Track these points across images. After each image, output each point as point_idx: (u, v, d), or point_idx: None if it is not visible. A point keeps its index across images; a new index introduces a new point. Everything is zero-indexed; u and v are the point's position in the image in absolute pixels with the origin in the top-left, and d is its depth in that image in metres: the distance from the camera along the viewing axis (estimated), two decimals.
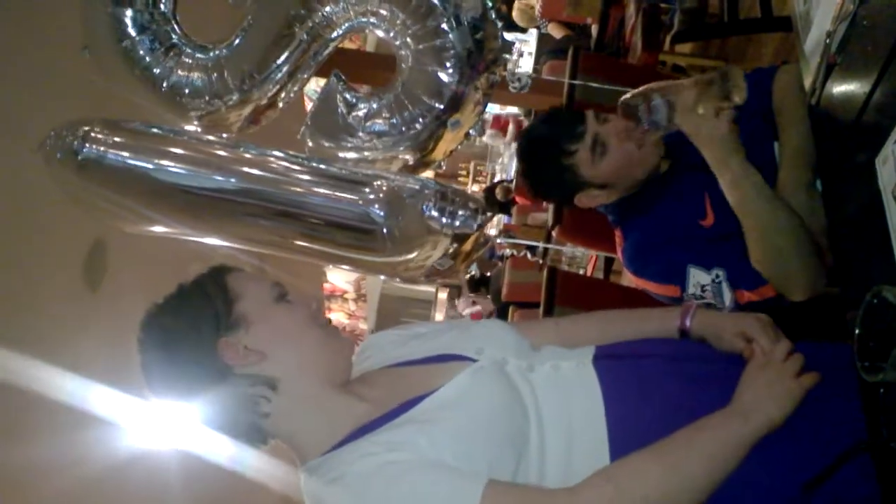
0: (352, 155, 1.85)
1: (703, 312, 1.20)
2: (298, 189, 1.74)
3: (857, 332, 0.95)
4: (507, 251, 5.80)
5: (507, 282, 5.59)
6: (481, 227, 1.69)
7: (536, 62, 7.06)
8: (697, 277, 1.58)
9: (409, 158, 1.83)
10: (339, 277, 8.93)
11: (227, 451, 1.13)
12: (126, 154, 1.75)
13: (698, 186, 1.65)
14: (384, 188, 1.68)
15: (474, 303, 8.28)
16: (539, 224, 6.33)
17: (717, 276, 1.56)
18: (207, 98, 1.81)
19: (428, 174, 2.03)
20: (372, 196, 1.68)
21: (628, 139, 1.65)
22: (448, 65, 1.71)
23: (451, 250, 1.69)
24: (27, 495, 2.42)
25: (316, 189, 1.73)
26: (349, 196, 1.69)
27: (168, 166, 1.75)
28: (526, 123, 6.37)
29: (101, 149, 1.74)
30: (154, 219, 1.81)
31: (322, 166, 1.79)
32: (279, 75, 1.80)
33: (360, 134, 1.82)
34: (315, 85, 2.40)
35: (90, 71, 1.89)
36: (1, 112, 2.24)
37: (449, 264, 1.71)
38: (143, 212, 1.79)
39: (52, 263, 2.45)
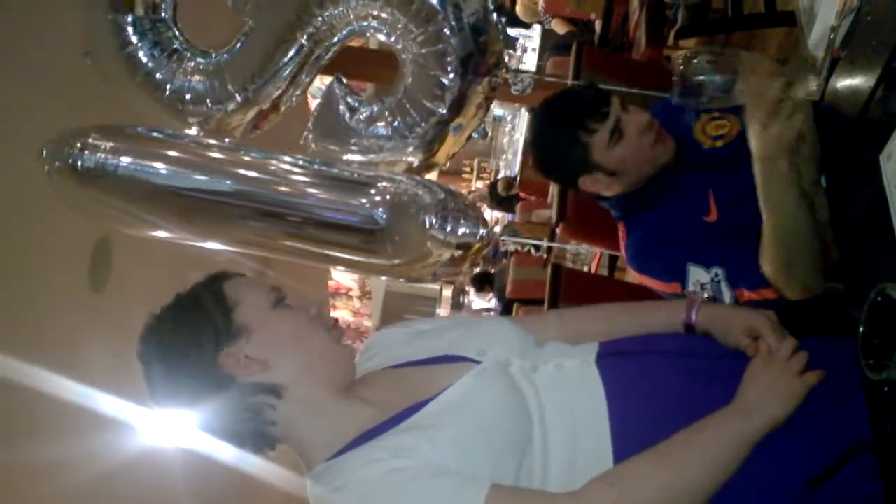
0: (355, 158, 1.85)
1: (709, 306, 1.19)
2: (300, 190, 1.74)
3: (861, 329, 0.95)
4: (511, 247, 5.80)
5: (512, 279, 5.58)
6: (483, 238, 1.69)
7: (540, 58, 7.06)
8: (697, 276, 1.58)
9: (412, 161, 1.83)
10: (344, 275, 8.94)
11: (231, 451, 1.13)
12: (125, 161, 1.76)
13: (703, 184, 1.65)
14: (388, 191, 1.68)
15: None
16: (543, 221, 6.32)
17: (717, 276, 1.56)
18: (209, 103, 1.82)
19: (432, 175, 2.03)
20: (378, 198, 1.68)
21: (646, 133, 1.65)
22: (450, 69, 1.71)
23: (455, 255, 1.69)
24: (30, 495, 2.43)
25: (318, 191, 1.73)
26: (353, 198, 1.69)
27: (167, 171, 1.76)
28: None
29: (100, 156, 1.75)
30: (155, 223, 1.82)
31: (325, 168, 1.79)
32: (281, 79, 1.81)
33: (363, 138, 1.82)
34: (320, 83, 2.40)
35: (92, 75, 1.89)
36: (2, 114, 2.24)
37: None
38: (146, 217, 1.80)
39: (57, 263, 2.46)
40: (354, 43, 2.20)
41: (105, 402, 2.07)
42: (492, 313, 8.46)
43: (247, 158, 1.79)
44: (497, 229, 9.02)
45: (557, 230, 3.55)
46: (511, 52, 8.30)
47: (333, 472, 1.00)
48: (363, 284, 9.64)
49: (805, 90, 1.27)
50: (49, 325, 2.48)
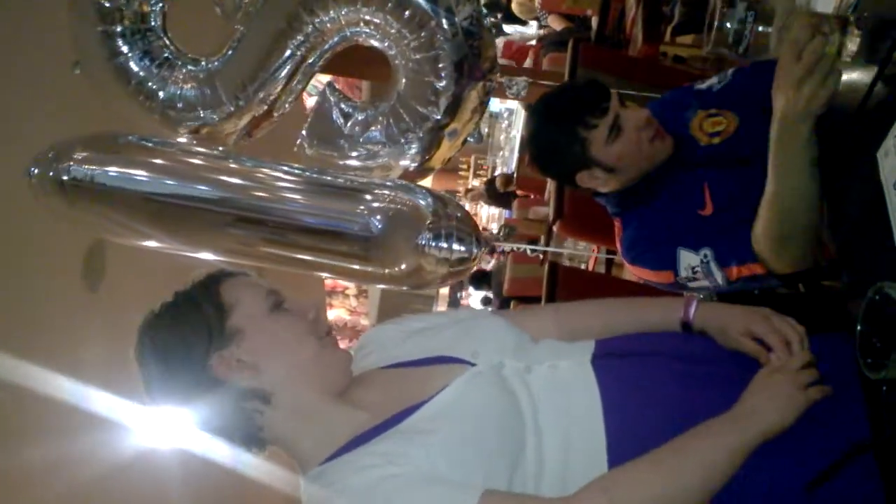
0: (350, 163, 1.84)
1: (706, 305, 1.18)
2: (290, 198, 1.75)
3: (859, 328, 0.94)
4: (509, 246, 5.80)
5: (509, 277, 5.59)
6: (476, 258, 1.69)
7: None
8: (688, 260, 1.58)
9: (408, 166, 1.82)
10: None
11: (228, 451, 1.13)
12: (113, 172, 1.76)
13: (698, 179, 1.64)
14: (383, 201, 1.68)
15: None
16: (540, 218, 6.32)
17: (706, 256, 1.56)
18: (201, 110, 1.81)
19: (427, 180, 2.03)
20: (375, 205, 1.69)
21: (645, 129, 1.65)
22: (444, 74, 1.69)
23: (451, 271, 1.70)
24: (25, 497, 2.42)
25: (311, 198, 1.73)
26: (347, 205, 1.69)
27: (150, 179, 1.76)
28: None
29: (84, 168, 1.75)
30: (145, 234, 1.82)
31: (317, 175, 1.79)
32: (273, 86, 1.80)
33: (358, 144, 1.81)
34: (315, 81, 2.39)
35: (85, 81, 1.89)
36: None
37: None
38: (140, 229, 1.80)
39: (51, 263, 2.45)
40: None
41: (100, 402, 2.06)
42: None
43: (235, 166, 1.79)
44: (494, 227, 9.03)
45: (554, 228, 3.54)
46: None
47: (326, 478, 0.99)
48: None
49: (846, 50, 1.15)
50: (43, 325, 2.47)
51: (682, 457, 0.96)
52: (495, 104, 8.56)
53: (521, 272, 5.43)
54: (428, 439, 0.98)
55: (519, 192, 7.50)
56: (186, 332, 1.06)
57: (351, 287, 9.64)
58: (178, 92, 1.81)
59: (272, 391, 1.06)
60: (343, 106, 1.84)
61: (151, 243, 1.85)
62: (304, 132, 1.86)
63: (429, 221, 1.64)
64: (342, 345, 1.17)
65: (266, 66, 1.77)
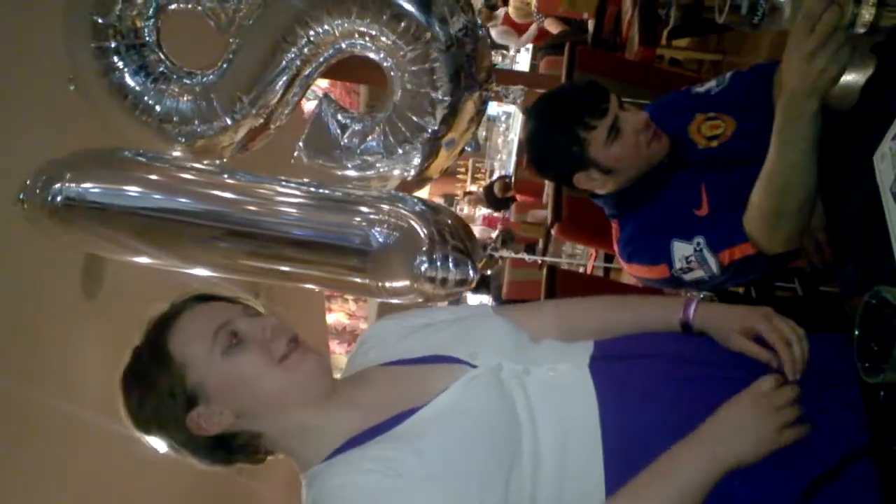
0: (347, 174, 1.85)
1: (707, 306, 1.17)
2: (287, 211, 1.76)
3: (856, 332, 0.94)
4: (506, 254, 5.80)
5: (508, 280, 5.59)
6: (473, 281, 1.70)
7: (533, 58, 7.06)
8: (682, 250, 1.58)
9: (405, 176, 1.83)
10: None
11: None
12: (107, 190, 1.77)
13: (695, 179, 1.65)
14: (382, 217, 1.69)
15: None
16: (539, 221, 6.33)
17: (699, 244, 1.56)
18: (197, 124, 1.81)
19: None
20: (373, 217, 1.69)
21: (643, 132, 1.65)
22: (440, 85, 1.70)
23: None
24: (26, 498, 2.42)
25: (309, 212, 1.74)
26: (345, 218, 1.70)
27: (139, 194, 1.77)
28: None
29: (80, 187, 1.76)
30: (144, 251, 1.83)
31: (314, 189, 1.80)
32: (269, 98, 1.80)
33: (354, 155, 1.82)
34: (314, 86, 2.39)
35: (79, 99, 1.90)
36: None
37: None
38: (136, 246, 1.81)
39: (49, 271, 2.44)
40: None
41: (96, 406, 2.06)
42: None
43: (231, 181, 1.81)
44: (492, 233, 9.03)
45: (553, 230, 3.54)
46: (504, 51, 8.31)
47: (323, 477, 0.99)
48: None
49: (861, 20, 1.08)
50: (41, 333, 2.47)
51: (657, 491, 0.96)
52: (493, 107, 8.56)
53: (520, 276, 5.43)
54: (424, 446, 0.98)
55: (517, 197, 7.51)
56: (155, 408, 1.07)
57: None
58: (175, 105, 1.81)
59: (258, 427, 1.08)
60: (340, 117, 1.84)
61: (146, 260, 1.86)
62: (300, 143, 1.86)
63: (425, 249, 1.65)
64: (341, 349, 1.17)
65: (261, 78, 1.78)
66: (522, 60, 8.20)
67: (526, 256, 4.59)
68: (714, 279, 1.58)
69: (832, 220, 1.26)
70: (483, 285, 7.70)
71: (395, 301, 1.79)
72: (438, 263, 1.65)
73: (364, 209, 1.73)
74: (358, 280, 1.75)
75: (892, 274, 0.94)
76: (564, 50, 3.70)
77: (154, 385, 1.06)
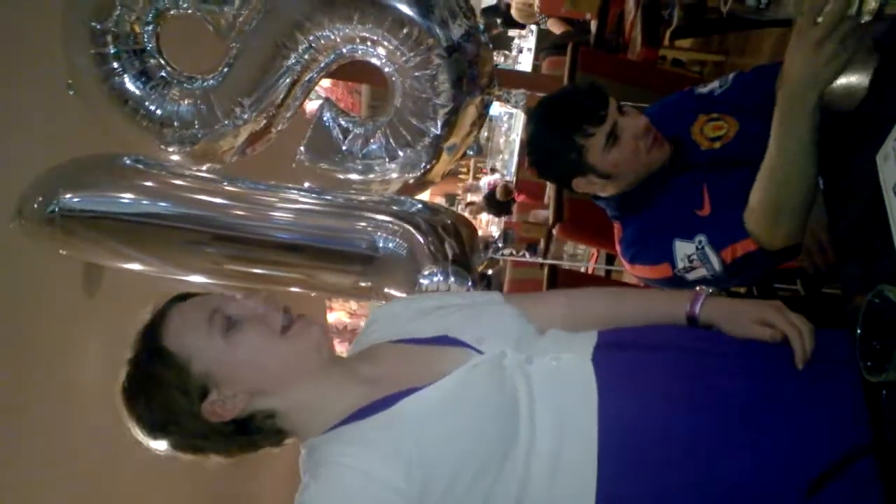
0: (349, 177, 1.85)
1: (715, 300, 1.17)
2: (282, 216, 1.76)
3: (858, 332, 0.94)
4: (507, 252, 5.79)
5: (509, 279, 5.59)
6: (474, 287, 1.71)
7: (536, 58, 7.05)
8: (684, 249, 1.58)
9: (407, 180, 1.83)
10: None
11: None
12: (106, 198, 1.78)
13: (697, 181, 1.65)
14: (385, 227, 1.70)
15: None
16: (540, 222, 6.32)
17: (700, 242, 1.56)
18: (197, 128, 1.82)
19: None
20: (376, 224, 1.70)
21: (642, 138, 1.65)
22: (441, 90, 1.70)
23: None
24: (25, 500, 2.42)
25: (313, 218, 1.75)
26: (350, 224, 1.71)
27: (132, 201, 1.77)
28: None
29: (76, 200, 1.76)
30: (143, 259, 1.83)
31: (317, 196, 1.80)
32: (269, 102, 1.80)
33: (356, 159, 1.82)
34: (317, 87, 2.40)
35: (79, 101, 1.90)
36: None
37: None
38: (131, 254, 1.81)
39: (49, 270, 2.44)
40: None
41: (97, 404, 2.06)
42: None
43: (230, 188, 1.82)
44: (495, 231, 9.03)
45: (554, 231, 3.54)
46: (507, 52, 8.31)
47: (323, 449, 1.02)
48: None
49: (867, 7, 1.07)
50: (41, 331, 2.47)
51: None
52: (495, 107, 8.55)
53: (521, 274, 5.43)
54: (421, 426, 0.99)
55: (518, 198, 7.52)
56: (168, 405, 1.06)
57: None
58: (175, 110, 1.82)
59: (271, 405, 1.08)
60: (342, 121, 1.85)
61: (139, 267, 1.86)
62: (302, 147, 1.86)
63: (426, 267, 1.66)
64: (342, 348, 1.18)
65: (262, 82, 1.78)
66: (525, 61, 8.19)
67: (527, 256, 4.60)
68: (717, 277, 1.58)
69: (835, 220, 1.25)
70: (484, 283, 7.71)
71: None
72: (439, 279, 1.66)
73: (368, 217, 1.73)
74: (361, 284, 1.76)
75: (894, 273, 0.94)
76: (567, 50, 3.69)
77: (160, 384, 1.06)
